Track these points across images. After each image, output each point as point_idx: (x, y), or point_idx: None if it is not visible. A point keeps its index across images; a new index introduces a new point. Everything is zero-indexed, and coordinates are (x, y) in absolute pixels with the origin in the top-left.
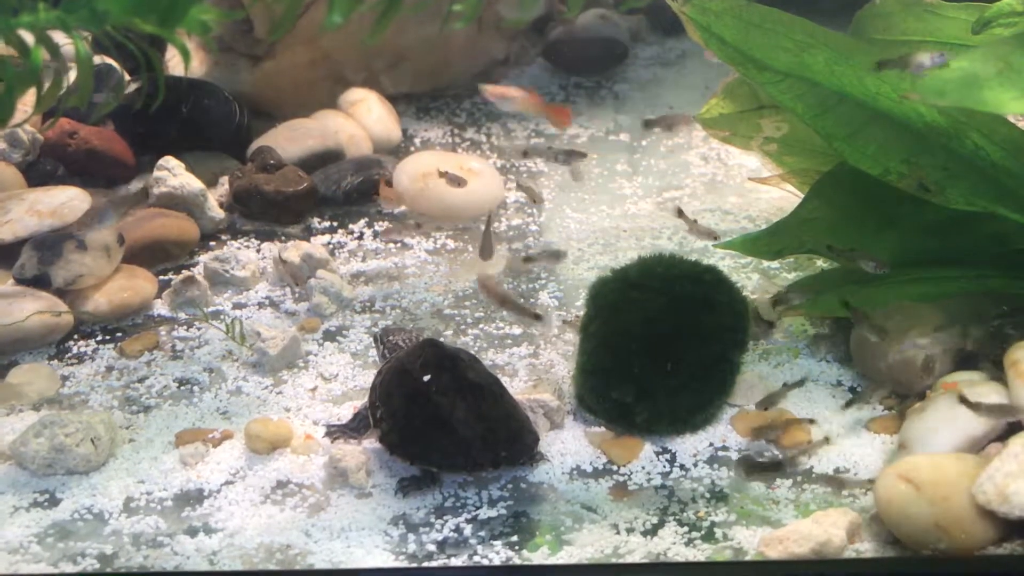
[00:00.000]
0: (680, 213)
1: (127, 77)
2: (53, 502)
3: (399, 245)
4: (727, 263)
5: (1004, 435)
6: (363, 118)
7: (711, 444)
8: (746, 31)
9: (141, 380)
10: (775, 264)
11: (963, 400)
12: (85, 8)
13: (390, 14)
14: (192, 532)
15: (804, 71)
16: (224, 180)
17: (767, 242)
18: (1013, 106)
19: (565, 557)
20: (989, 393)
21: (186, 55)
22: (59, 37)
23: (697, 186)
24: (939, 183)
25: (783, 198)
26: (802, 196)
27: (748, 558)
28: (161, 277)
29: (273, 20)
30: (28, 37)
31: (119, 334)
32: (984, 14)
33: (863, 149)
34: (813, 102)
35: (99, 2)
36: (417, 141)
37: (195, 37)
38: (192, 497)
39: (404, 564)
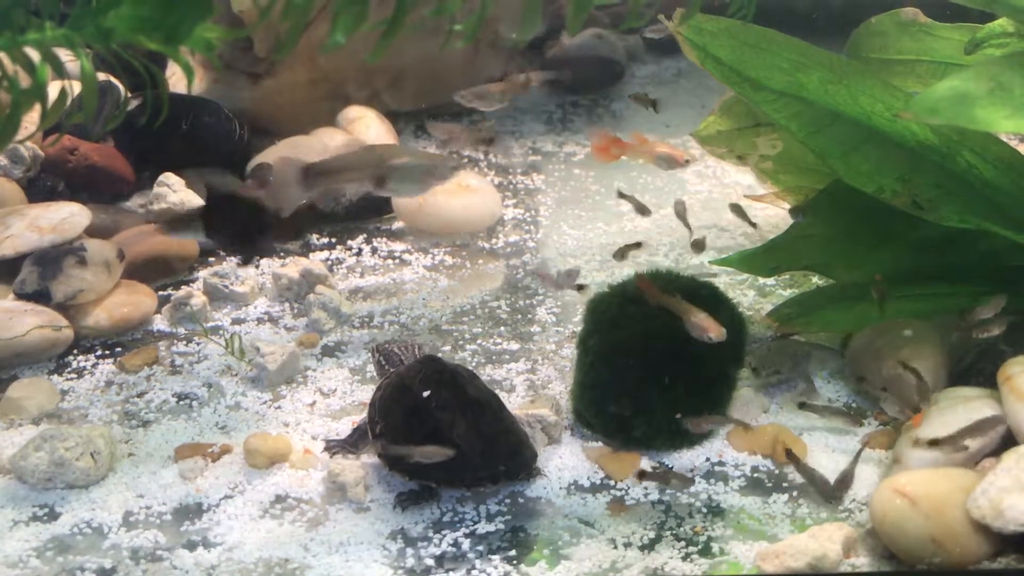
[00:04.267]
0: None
1: (128, 94)
2: (52, 516)
3: (397, 261)
4: (723, 280)
5: (998, 449)
6: (361, 135)
7: (708, 459)
8: (741, 51)
9: (141, 395)
10: (771, 281)
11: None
12: (91, 26)
13: (392, 34)
14: (191, 546)
15: (799, 90)
16: None
17: (763, 259)
18: (1005, 124)
19: (563, 572)
20: (983, 408)
21: (190, 73)
22: (63, 54)
23: (693, 203)
24: (932, 201)
25: (778, 215)
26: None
27: (745, 572)
28: (161, 292)
29: (276, 39)
30: (34, 54)
31: (119, 349)
32: (976, 35)
33: (857, 167)
34: (808, 121)
35: (105, 20)
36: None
37: (197, 55)
38: (191, 511)
39: None
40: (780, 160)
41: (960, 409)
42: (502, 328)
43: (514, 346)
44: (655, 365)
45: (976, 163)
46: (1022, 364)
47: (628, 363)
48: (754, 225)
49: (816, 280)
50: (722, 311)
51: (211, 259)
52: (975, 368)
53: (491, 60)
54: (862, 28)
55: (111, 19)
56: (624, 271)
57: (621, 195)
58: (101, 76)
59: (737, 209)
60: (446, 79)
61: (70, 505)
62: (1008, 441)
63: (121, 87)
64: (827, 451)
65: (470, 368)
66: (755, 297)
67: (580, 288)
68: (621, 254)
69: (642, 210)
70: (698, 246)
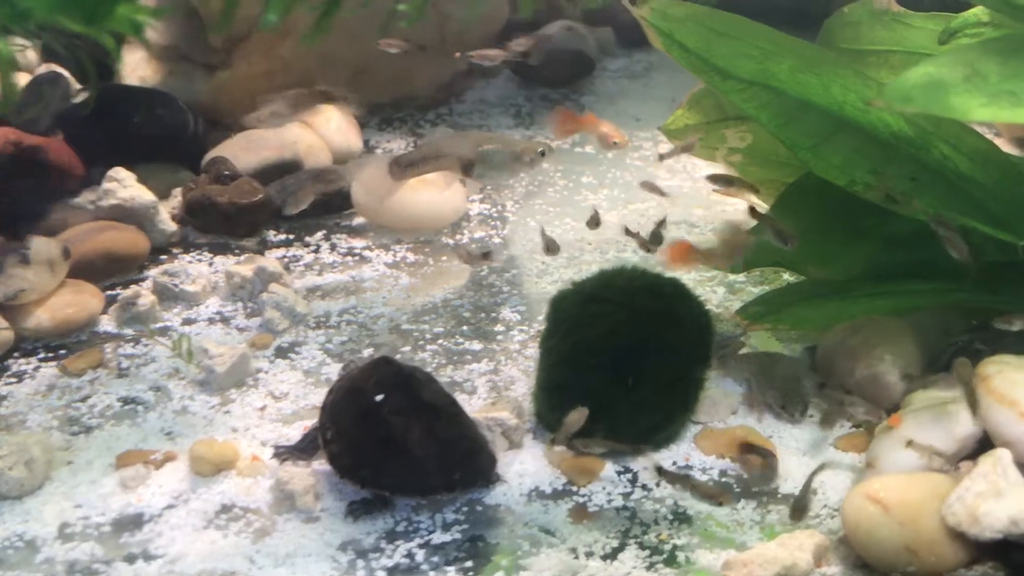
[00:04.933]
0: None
1: (78, 85)
2: None
3: (357, 258)
4: (691, 276)
5: (975, 453)
6: (322, 128)
7: (674, 463)
8: (709, 38)
9: (84, 399)
10: (741, 277)
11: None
12: (7, 6)
13: (330, 14)
14: (130, 559)
15: (768, 79)
16: (177, 192)
17: None
18: (980, 113)
19: None
20: (959, 410)
21: (116, 54)
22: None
23: (662, 199)
24: (906, 194)
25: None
26: (767, 208)
27: None
28: (109, 292)
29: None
30: None
31: (62, 351)
32: (950, 24)
33: (829, 159)
34: (777, 111)
35: (22, 0)
36: (379, 152)
37: (150, 44)
38: (131, 522)
39: None
40: (750, 153)
41: (936, 410)
42: (465, 327)
43: (476, 346)
44: (618, 366)
45: (951, 155)
46: (999, 364)
47: (589, 364)
48: (664, 194)
49: (787, 276)
50: (688, 308)
51: (163, 257)
52: (951, 368)
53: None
54: (834, 18)
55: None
56: (591, 269)
57: (627, 232)
58: (47, 67)
59: (650, 186)
60: (411, 72)
61: (1, 517)
62: (984, 444)
63: (68, 77)
64: (797, 454)
65: (429, 370)
66: (724, 294)
67: (486, 255)
68: (594, 222)
69: (646, 246)
70: (655, 239)
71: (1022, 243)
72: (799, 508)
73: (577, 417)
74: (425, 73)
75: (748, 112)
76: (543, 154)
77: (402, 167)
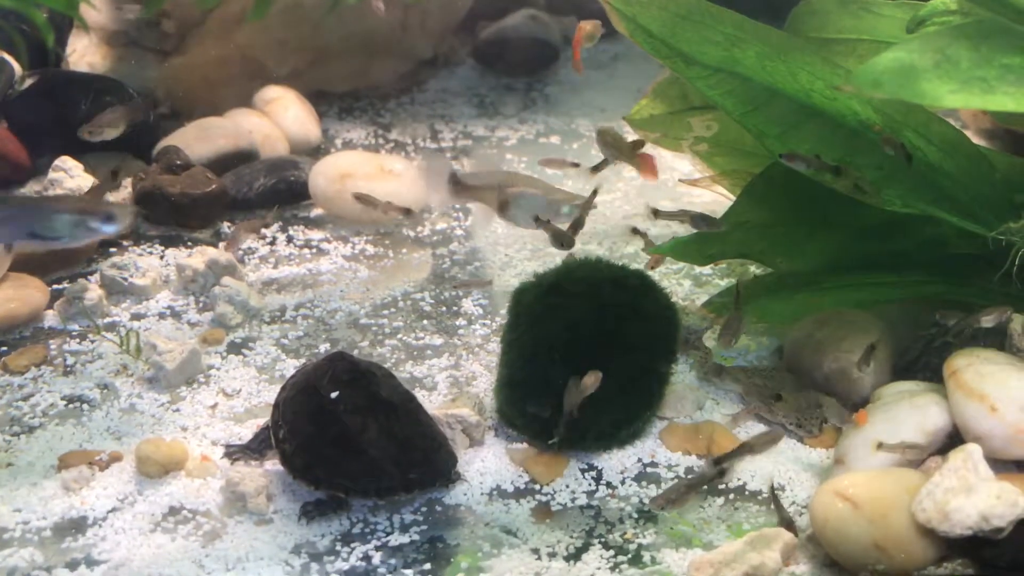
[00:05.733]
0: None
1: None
2: None
3: (314, 251)
4: (658, 269)
5: (944, 448)
6: (279, 117)
7: (639, 460)
8: (673, 23)
9: (26, 398)
10: (707, 270)
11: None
12: None
13: None
14: (72, 565)
15: (734, 66)
16: (127, 182)
17: (698, 247)
18: (951, 100)
19: None
20: (928, 404)
21: (47, 31)
22: None
23: (629, 190)
24: (874, 184)
25: (716, 201)
26: (734, 198)
27: None
28: (55, 286)
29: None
30: None
31: (3, 348)
32: (919, 12)
33: (796, 148)
34: (743, 98)
35: None
36: (338, 142)
37: (99, 29)
38: (74, 526)
39: None
40: (715, 142)
41: (905, 404)
42: (425, 322)
43: (437, 341)
44: (581, 360)
45: (919, 144)
46: (969, 357)
47: (551, 358)
48: (576, 165)
49: (754, 269)
50: (653, 301)
51: (112, 249)
52: (920, 361)
53: (419, 41)
54: (801, 6)
55: None
56: (556, 261)
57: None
58: None
59: (549, 161)
60: (374, 59)
61: None
62: (954, 439)
63: (13, 63)
64: (768, 453)
65: (388, 365)
66: (691, 287)
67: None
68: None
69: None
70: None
71: (991, 234)
72: (786, 521)
73: (592, 380)
74: (386, 62)
75: (714, 99)
76: (578, 223)
77: (458, 185)
